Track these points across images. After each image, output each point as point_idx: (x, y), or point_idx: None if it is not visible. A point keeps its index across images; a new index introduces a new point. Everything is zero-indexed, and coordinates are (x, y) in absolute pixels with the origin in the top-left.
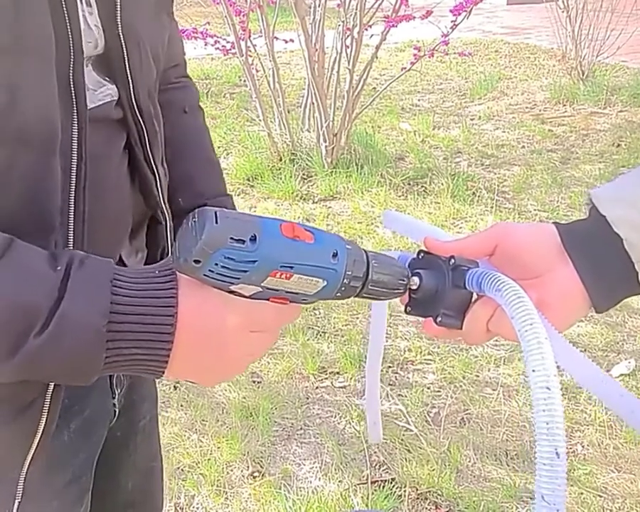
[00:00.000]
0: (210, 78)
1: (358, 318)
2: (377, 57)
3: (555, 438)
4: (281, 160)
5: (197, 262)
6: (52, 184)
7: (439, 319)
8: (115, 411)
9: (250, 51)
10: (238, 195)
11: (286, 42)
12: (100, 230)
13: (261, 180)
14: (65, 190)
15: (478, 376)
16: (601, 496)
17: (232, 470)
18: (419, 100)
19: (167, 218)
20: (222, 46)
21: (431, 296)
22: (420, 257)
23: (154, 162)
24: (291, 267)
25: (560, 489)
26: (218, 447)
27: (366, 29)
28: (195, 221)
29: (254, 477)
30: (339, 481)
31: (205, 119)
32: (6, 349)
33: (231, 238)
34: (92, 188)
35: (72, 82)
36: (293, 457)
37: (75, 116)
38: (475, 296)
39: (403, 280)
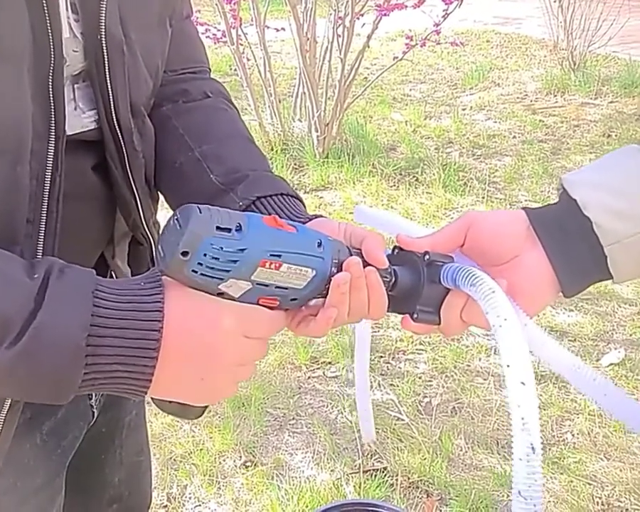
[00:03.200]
0: None
1: None
2: (368, 47)
3: (531, 433)
4: (272, 150)
5: (185, 254)
6: (20, 194)
7: (415, 316)
8: (93, 412)
9: (241, 40)
10: None
11: (278, 31)
12: (70, 247)
13: None
14: (37, 201)
15: (469, 365)
16: (590, 484)
17: (224, 460)
18: (410, 90)
19: (150, 240)
20: (213, 34)
21: (407, 292)
22: (395, 253)
23: (134, 183)
24: (279, 256)
25: (536, 484)
26: (210, 437)
27: (358, 18)
28: (177, 218)
29: (247, 467)
30: (331, 471)
31: (239, 112)
32: None
33: (217, 227)
34: (64, 202)
35: (50, 90)
36: (285, 447)
37: (53, 125)
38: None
39: (385, 276)
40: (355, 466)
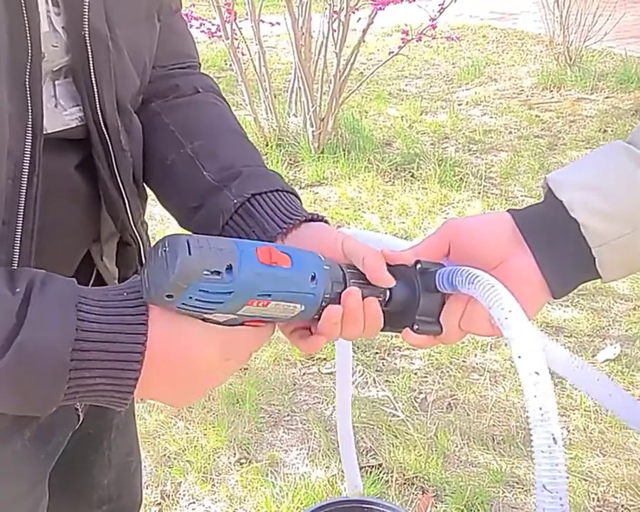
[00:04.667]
0: None
1: None
2: (364, 41)
3: (551, 423)
4: (267, 145)
5: (169, 296)
6: None
7: (416, 327)
8: (78, 416)
9: (236, 34)
10: None
11: (273, 25)
12: (52, 246)
13: None
14: (13, 202)
15: (465, 362)
16: (586, 480)
17: (218, 457)
18: (406, 85)
19: (138, 241)
20: (208, 29)
21: (404, 305)
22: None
23: (122, 183)
24: (269, 295)
25: (561, 476)
26: (205, 434)
27: (353, 12)
28: (165, 251)
29: (241, 464)
30: (326, 467)
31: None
32: None
33: (206, 270)
34: (43, 203)
35: (27, 87)
36: (280, 444)
37: (30, 124)
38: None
39: (379, 296)
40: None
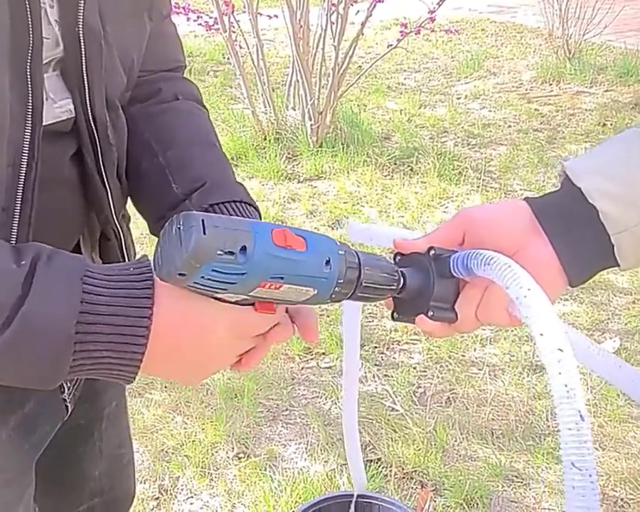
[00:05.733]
0: (193, 55)
1: None
2: (362, 34)
3: (577, 400)
4: (265, 139)
5: (182, 274)
6: None
7: (430, 313)
8: (67, 406)
9: (233, 27)
10: None
11: (270, 18)
12: (42, 235)
13: (245, 160)
14: (12, 189)
15: (464, 356)
16: None
17: (217, 451)
18: (405, 79)
19: (120, 236)
20: (205, 22)
21: (417, 293)
22: (397, 259)
23: (106, 176)
24: (282, 278)
25: (589, 453)
26: (203, 429)
27: (352, 5)
28: (180, 228)
29: (240, 458)
30: (325, 462)
31: (210, 117)
32: None
33: (220, 250)
34: (40, 190)
35: (28, 73)
36: (278, 438)
37: (30, 111)
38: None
39: (393, 284)
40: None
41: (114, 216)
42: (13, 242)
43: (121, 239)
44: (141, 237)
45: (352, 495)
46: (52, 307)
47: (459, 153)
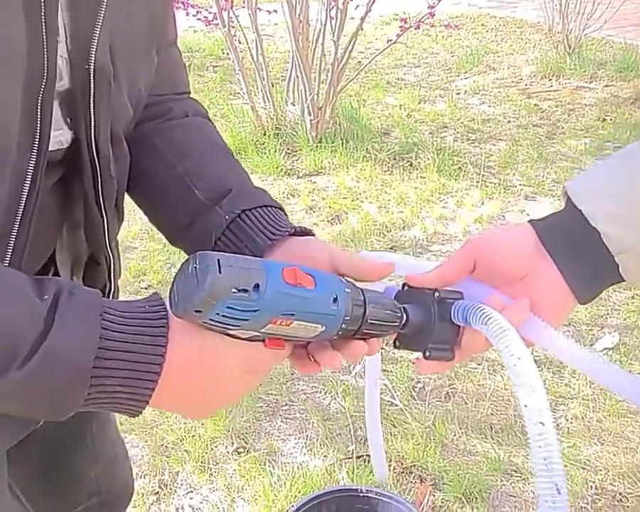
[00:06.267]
0: (192, 51)
1: None
2: (362, 29)
3: (555, 473)
4: (265, 134)
5: (198, 311)
6: None
7: (427, 354)
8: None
9: (233, 22)
10: None
11: (270, 13)
12: (27, 263)
13: (245, 155)
14: (10, 215)
15: None
16: (584, 469)
17: (216, 446)
18: (404, 74)
19: (111, 260)
20: (204, 17)
21: (418, 329)
22: (404, 289)
23: (104, 207)
24: (292, 314)
25: None
26: (202, 424)
27: (351, 0)
28: (196, 267)
29: (239, 453)
30: (324, 456)
31: (217, 129)
32: None
33: (234, 288)
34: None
35: (39, 105)
36: (278, 433)
37: (37, 142)
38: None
39: (396, 321)
40: (349, 451)
41: (107, 243)
42: (6, 264)
43: (110, 263)
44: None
45: (351, 489)
46: (73, 342)
47: (459, 149)
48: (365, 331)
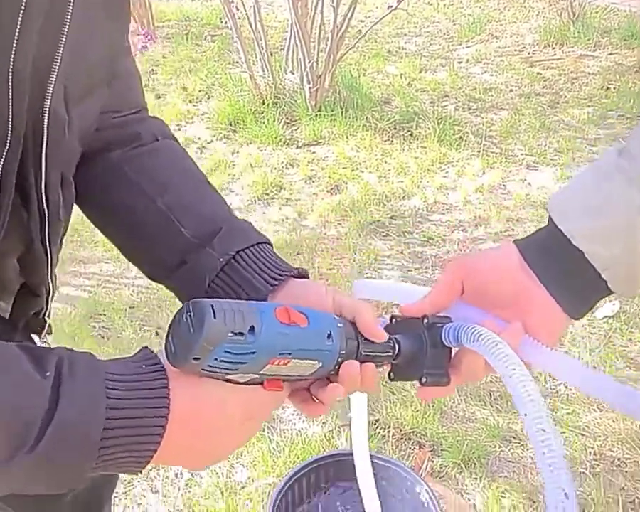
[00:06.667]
0: (189, 20)
1: (342, 261)
2: None
3: (561, 478)
4: (264, 103)
5: (196, 359)
6: None
7: (423, 380)
8: None
9: None
10: (220, 140)
11: None
12: None
13: (243, 125)
14: None
15: None
16: (583, 435)
17: None
18: (405, 43)
19: (51, 290)
20: None
21: (411, 358)
22: (393, 322)
23: (49, 246)
24: (289, 354)
25: None
26: None
27: None
28: (190, 315)
29: None
30: (323, 423)
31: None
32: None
33: (231, 332)
34: None
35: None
36: None
37: None
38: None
39: (389, 351)
40: (347, 418)
41: (49, 276)
42: None
43: (50, 292)
44: None
45: (349, 454)
46: (81, 417)
47: (460, 118)
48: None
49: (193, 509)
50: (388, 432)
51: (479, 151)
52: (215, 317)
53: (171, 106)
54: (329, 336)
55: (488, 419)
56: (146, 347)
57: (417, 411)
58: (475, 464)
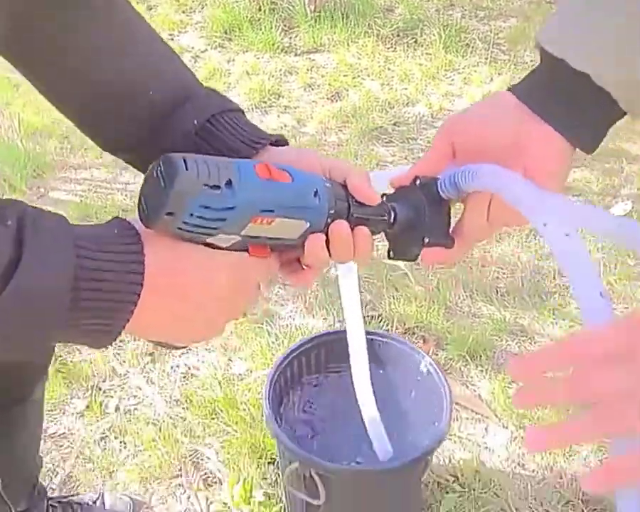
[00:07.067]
0: None
1: None
2: None
3: (593, 282)
4: (260, 9)
5: (170, 214)
6: None
7: (426, 240)
8: None
9: None
10: (215, 48)
11: None
12: None
13: (239, 32)
14: None
15: None
16: None
17: None
18: None
19: None
20: None
21: (410, 225)
22: (384, 199)
23: None
24: (272, 211)
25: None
26: None
27: None
28: (160, 170)
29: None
30: (324, 318)
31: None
32: None
33: (205, 185)
34: None
35: None
36: (276, 297)
37: None
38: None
39: (384, 215)
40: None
41: None
42: None
43: None
44: None
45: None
46: (46, 276)
47: (467, 25)
48: (352, 228)
49: (191, 399)
50: (391, 326)
51: (487, 58)
52: (187, 169)
53: (163, 16)
54: (316, 193)
55: (495, 314)
56: (117, 217)
57: (422, 306)
58: (480, 356)
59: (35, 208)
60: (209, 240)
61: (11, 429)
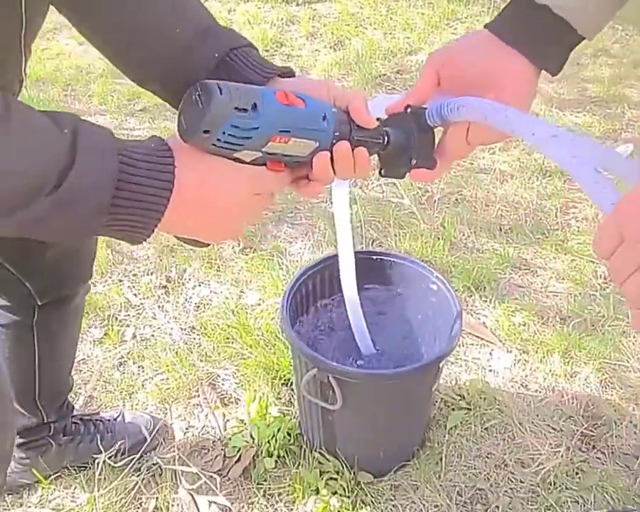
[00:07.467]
0: None
1: None
2: None
3: (587, 162)
4: None
5: (206, 132)
6: None
7: (413, 162)
8: None
9: None
10: None
11: None
12: None
13: None
14: None
15: (472, 164)
16: (593, 262)
17: (222, 247)
18: None
19: (23, 83)
20: None
21: (401, 147)
22: (380, 122)
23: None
24: (289, 131)
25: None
26: None
27: None
28: (198, 94)
29: (246, 253)
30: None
31: None
32: (20, 203)
33: (235, 108)
34: None
35: None
36: (284, 236)
37: None
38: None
39: (379, 138)
40: (361, 248)
41: (23, 72)
42: None
43: (22, 84)
44: None
45: (364, 252)
46: (95, 173)
47: None
48: (353, 147)
49: (205, 327)
50: None
51: (489, 8)
52: (221, 94)
53: None
54: (324, 117)
55: (498, 249)
56: (155, 135)
57: (427, 242)
58: (485, 287)
59: (87, 121)
60: (235, 154)
61: (56, 331)
